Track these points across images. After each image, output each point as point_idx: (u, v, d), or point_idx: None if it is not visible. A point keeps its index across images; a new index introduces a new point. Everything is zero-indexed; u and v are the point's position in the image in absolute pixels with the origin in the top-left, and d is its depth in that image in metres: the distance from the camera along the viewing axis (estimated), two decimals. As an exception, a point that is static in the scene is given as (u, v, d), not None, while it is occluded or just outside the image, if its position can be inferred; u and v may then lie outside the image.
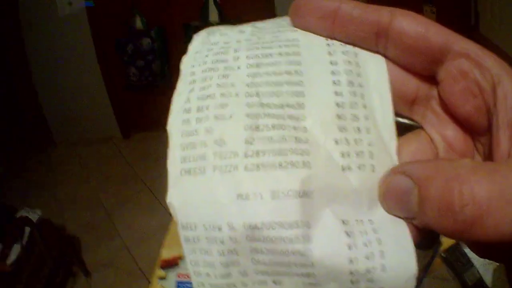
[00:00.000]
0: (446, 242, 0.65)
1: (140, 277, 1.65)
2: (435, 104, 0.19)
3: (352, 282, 0.16)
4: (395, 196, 0.16)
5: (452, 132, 0.18)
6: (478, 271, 0.68)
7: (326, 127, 0.17)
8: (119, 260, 1.73)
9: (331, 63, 0.19)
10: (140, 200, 2.11)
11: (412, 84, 0.19)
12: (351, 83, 0.18)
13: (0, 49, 2.11)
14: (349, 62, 0.19)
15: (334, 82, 0.18)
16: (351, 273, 0.16)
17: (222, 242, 0.16)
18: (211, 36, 0.21)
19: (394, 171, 0.17)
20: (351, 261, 0.16)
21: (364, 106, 0.18)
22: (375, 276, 0.16)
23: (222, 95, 0.18)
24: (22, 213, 1.34)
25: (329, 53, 0.19)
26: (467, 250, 0.66)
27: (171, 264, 0.74)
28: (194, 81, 0.19)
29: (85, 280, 1.63)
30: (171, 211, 0.17)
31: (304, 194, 0.16)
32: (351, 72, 0.19)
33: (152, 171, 2.28)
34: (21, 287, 1.22)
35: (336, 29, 0.18)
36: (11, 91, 2.22)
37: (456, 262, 0.68)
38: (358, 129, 0.18)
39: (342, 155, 0.17)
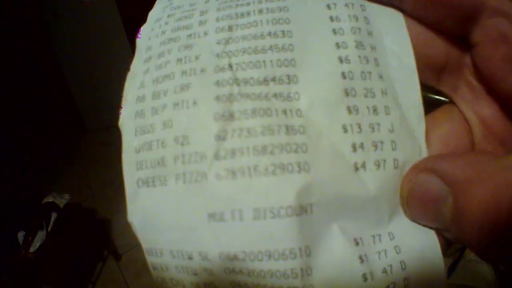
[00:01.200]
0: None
1: (172, 258, 1.63)
2: (469, 74, 0.15)
3: None
4: (422, 203, 0.13)
5: (489, 110, 0.14)
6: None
7: (330, 109, 0.13)
8: (151, 242, 1.72)
9: (331, 18, 0.15)
10: (172, 183, 2.08)
11: (439, 46, 0.15)
12: (360, 45, 0.14)
13: (25, 38, 2.12)
14: (356, 17, 0.15)
15: (337, 45, 0.14)
16: None
17: (195, 273, 0.13)
18: None
19: (421, 168, 0.13)
20: None
21: (380, 77, 0.14)
22: None
23: (184, 73, 0.14)
24: (49, 198, 1.34)
25: (328, 7, 0.15)
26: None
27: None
28: (149, 58, 0.15)
29: (116, 264, 1.64)
30: (134, 232, 0.14)
31: (301, 210, 0.12)
32: (359, 30, 0.14)
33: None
34: (47, 274, 1.22)
35: None
36: (40, 80, 2.24)
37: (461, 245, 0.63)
38: (374, 109, 0.14)
39: (354, 148, 0.13)
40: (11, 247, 1.21)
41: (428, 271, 0.13)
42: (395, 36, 0.15)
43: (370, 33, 0.15)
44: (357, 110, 0.13)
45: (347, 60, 0.14)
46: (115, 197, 2.08)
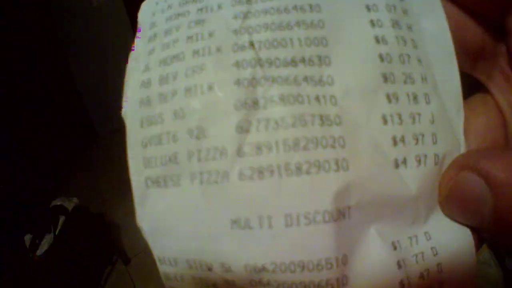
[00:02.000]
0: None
1: (182, 263, 1.62)
2: (504, 63, 0.14)
3: None
4: (463, 202, 0.12)
5: None
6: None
7: (368, 96, 0.12)
8: (160, 246, 1.70)
9: None
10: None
11: (475, 31, 0.14)
12: (396, 25, 0.13)
13: (34, 44, 2.13)
14: None
15: (372, 22, 0.13)
16: None
17: (214, 285, 0.12)
18: None
19: (462, 166, 0.12)
20: None
21: (419, 60, 0.13)
22: None
23: (196, 53, 0.12)
24: (57, 202, 1.33)
25: None
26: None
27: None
28: (155, 36, 0.13)
29: (124, 267, 1.62)
30: (144, 238, 0.13)
31: (339, 215, 0.11)
32: (394, 8, 0.13)
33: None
34: (54, 277, 1.21)
35: None
36: (49, 84, 2.26)
37: (500, 248, 0.66)
38: (415, 97, 0.12)
39: (395, 141, 0.12)
40: (18, 250, 1.20)
41: (462, 272, 0.12)
42: (432, 17, 0.13)
43: (405, 12, 0.13)
44: (397, 98, 0.12)
45: (384, 41, 0.12)
46: (124, 199, 2.08)
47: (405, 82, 0.12)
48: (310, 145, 0.11)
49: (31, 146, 2.00)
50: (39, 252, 1.17)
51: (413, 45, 0.13)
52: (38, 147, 2.07)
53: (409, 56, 0.13)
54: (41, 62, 2.19)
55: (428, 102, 0.12)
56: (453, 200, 0.12)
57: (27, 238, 1.21)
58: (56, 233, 1.23)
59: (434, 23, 0.13)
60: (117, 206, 1.99)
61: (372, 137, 0.12)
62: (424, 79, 0.13)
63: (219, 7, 0.13)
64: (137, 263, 1.64)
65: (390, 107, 0.12)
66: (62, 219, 1.28)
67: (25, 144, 1.95)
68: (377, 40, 0.12)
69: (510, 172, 0.11)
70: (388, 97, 0.12)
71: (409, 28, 0.13)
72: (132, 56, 0.14)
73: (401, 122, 0.12)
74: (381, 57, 0.12)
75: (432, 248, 0.12)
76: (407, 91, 0.12)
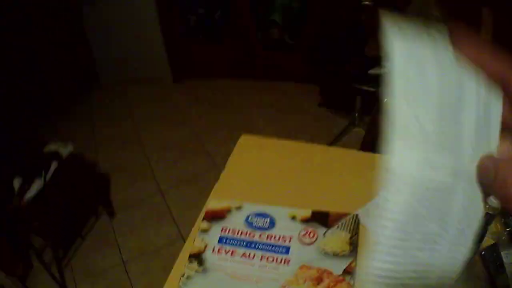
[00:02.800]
0: (488, 241, 0.69)
1: (170, 222, 1.63)
2: None
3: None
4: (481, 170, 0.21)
5: None
6: (507, 278, 0.70)
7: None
8: (149, 203, 1.72)
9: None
10: (184, 145, 2.06)
11: None
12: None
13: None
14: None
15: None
16: None
17: None
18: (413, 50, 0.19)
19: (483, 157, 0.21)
20: None
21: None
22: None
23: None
24: (52, 146, 1.33)
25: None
26: (502, 254, 0.71)
27: (217, 216, 0.65)
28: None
29: (108, 220, 1.64)
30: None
31: None
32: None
33: (200, 118, 2.26)
34: (38, 223, 1.23)
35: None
36: (61, 33, 2.24)
37: (492, 264, 0.70)
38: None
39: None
40: (5, 193, 1.20)
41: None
42: (495, 114, 0.21)
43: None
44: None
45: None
46: (119, 151, 2.07)
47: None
48: None
49: (32, 81, 1.98)
50: (27, 196, 1.17)
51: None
52: (40, 85, 2.04)
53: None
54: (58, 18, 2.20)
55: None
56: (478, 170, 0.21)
57: (16, 181, 1.20)
58: (46, 179, 1.23)
59: (495, 119, 0.21)
60: (111, 157, 2.01)
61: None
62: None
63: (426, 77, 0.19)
64: (122, 218, 1.66)
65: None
66: (54, 165, 1.28)
67: (26, 77, 1.94)
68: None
69: (499, 161, 0.20)
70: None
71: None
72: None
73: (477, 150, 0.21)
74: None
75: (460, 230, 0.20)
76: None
